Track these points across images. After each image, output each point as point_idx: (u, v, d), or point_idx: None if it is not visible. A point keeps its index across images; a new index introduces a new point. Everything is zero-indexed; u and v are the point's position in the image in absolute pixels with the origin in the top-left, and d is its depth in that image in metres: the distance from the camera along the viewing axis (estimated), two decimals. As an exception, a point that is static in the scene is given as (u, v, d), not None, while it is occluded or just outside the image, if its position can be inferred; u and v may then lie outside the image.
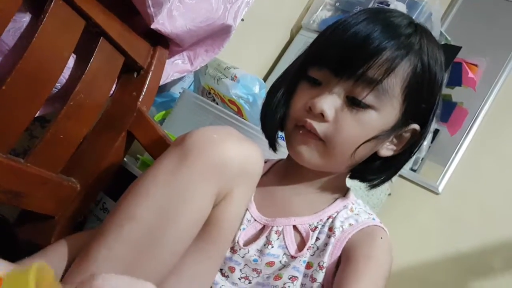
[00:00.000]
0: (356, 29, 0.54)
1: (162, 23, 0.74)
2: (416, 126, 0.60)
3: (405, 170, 2.03)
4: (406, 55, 0.55)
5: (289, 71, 0.63)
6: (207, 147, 0.50)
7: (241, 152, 0.52)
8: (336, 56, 0.56)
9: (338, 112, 0.56)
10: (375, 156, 0.61)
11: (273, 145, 0.66)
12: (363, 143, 0.57)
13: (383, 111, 0.56)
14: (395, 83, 0.55)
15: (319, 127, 0.56)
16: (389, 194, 1.92)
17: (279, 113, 0.61)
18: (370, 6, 1.44)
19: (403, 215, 1.97)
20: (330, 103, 0.55)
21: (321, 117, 0.56)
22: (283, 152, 0.67)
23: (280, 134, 0.66)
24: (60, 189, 0.72)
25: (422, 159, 2.11)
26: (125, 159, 0.85)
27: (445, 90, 1.95)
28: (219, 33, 0.88)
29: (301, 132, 0.58)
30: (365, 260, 0.55)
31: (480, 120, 2.00)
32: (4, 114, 0.60)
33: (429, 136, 2.06)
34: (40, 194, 0.68)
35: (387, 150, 0.61)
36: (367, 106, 0.55)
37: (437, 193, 1.95)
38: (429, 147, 2.11)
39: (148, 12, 0.70)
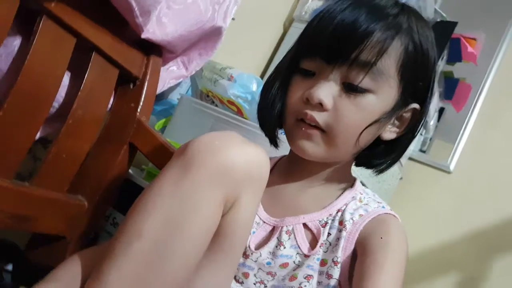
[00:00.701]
0: (342, 15, 0.54)
1: (152, 31, 0.74)
2: (416, 105, 0.59)
3: (414, 152, 2.02)
4: (396, 34, 0.54)
5: (281, 67, 0.63)
6: (210, 154, 0.49)
7: (245, 156, 0.51)
8: (326, 44, 0.55)
9: (336, 99, 0.55)
10: (378, 140, 0.60)
11: (274, 142, 0.66)
12: (366, 128, 0.56)
13: (381, 93, 0.56)
14: (389, 63, 0.55)
15: (320, 117, 0.56)
16: (401, 178, 1.90)
17: (276, 110, 0.61)
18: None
19: (417, 198, 1.95)
20: (327, 91, 0.55)
21: (320, 106, 0.55)
22: (285, 147, 0.66)
23: (280, 130, 0.65)
24: (68, 208, 0.72)
25: (430, 139, 2.09)
26: (130, 171, 0.85)
27: (446, 67, 1.92)
28: (211, 35, 0.87)
29: (302, 128, 0.57)
30: (381, 248, 0.54)
31: (484, 93, 1.97)
32: (4, 139, 0.60)
33: (435, 115, 2.04)
34: (49, 216, 0.68)
35: (390, 133, 0.60)
36: (364, 90, 0.55)
37: (449, 172, 1.93)
38: (436, 126, 2.09)
39: (136, 22, 0.70)
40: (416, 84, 0.58)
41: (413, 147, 1.96)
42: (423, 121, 0.60)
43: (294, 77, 0.60)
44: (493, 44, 1.93)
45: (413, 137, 0.61)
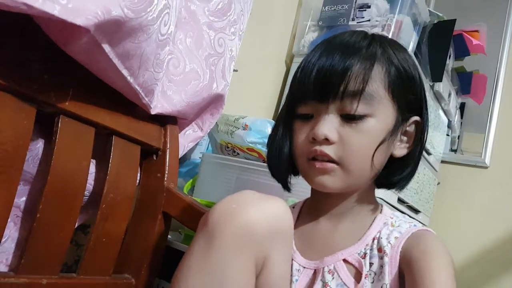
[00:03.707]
0: (320, 63, 0.58)
1: (160, 106, 0.78)
2: (416, 118, 0.62)
3: (446, 153, 1.97)
4: (375, 62, 0.58)
5: (281, 117, 0.66)
6: (229, 220, 0.51)
7: (264, 213, 0.52)
8: (314, 89, 0.59)
9: (340, 131, 0.58)
10: (392, 159, 0.62)
11: (286, 187, 0.68)
12: (376, 149, 0.58)
13: (379, 114, 0.58)
14: (377, 86, 0.58)
15: (329, 150, 0.58)
16: (438, 184, 1.86)
17: (284, 156, 0.64)
18: (351, 14, 1.45)
19: (459, 199, 1.89)
20: (329, 126, 0.58)
21: (327, 141, 0.58)
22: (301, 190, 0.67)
23: (294, 177, 0.67)
24: (117, 289, 0.74)
25: (458, 137, 2.05)
26: (169, 236, 0.87)
27: (456, 63, 1.91)
28: (216, 95, 0.91)
29: (316, 165, 0.59)
30: (424, 256, 0.54)
31: (502, 80, 1.94)
32: (45, 240, 0.62)
33: (457, 112, 2.01)
34: (100, 302, 0.70)
35: (400, 149, 0.62)
36: (362, 116, 0.57)
37: (485, 167, 1.87)
38: (461, 123, 2.05)
39: (143, 102, 0.74)
40: (408, 97, 0.61)
41: (443, 149, 1.92)
42: (426, 130, 0.63)
43: (295, 123, 0.63)
44: (497, 31, 1.92)
45: (422, 147, 0.63)
